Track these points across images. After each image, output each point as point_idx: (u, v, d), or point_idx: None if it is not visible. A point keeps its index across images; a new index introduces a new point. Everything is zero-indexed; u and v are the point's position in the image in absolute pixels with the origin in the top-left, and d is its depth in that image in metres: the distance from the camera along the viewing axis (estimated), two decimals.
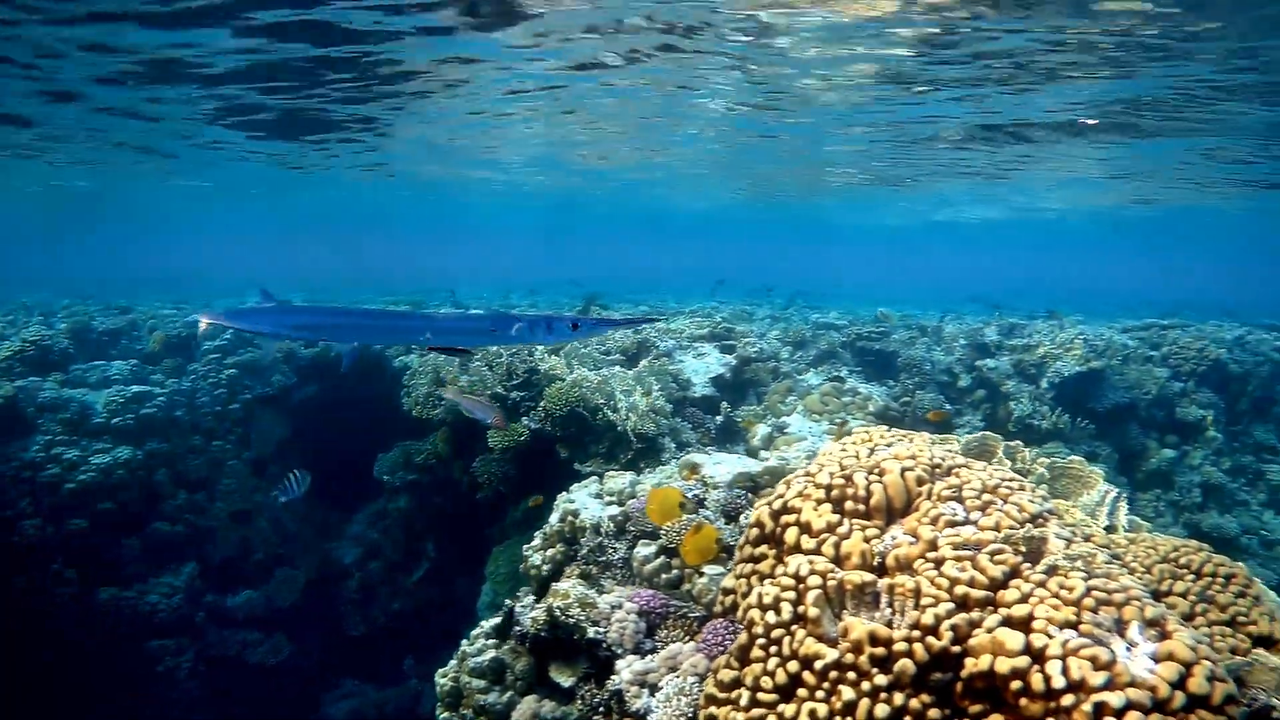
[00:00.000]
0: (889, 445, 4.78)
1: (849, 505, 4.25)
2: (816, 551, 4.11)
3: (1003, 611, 3.51)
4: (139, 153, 24.48)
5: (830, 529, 4.15)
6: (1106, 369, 15.29)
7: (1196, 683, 3.15)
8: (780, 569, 4.07)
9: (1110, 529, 5.91)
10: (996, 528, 3.95)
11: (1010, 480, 4.42)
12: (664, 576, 5.94)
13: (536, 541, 7.07)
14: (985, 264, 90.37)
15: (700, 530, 5.47)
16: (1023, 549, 3.82)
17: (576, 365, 12.37)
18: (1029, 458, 6.53)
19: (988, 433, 6.52)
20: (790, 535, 4.26)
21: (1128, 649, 3.31)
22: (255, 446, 17.10)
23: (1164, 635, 3.37)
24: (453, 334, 6.56)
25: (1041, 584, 3.57)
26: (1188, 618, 4.43)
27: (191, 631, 15.23)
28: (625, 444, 10.58)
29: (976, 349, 16.07)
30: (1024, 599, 3.51)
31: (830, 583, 3.83)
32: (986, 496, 4.19)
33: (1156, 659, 3.24)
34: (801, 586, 3.87)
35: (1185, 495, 14.71)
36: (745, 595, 4.20)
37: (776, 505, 4.47)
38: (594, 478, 7.40)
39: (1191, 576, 4.60)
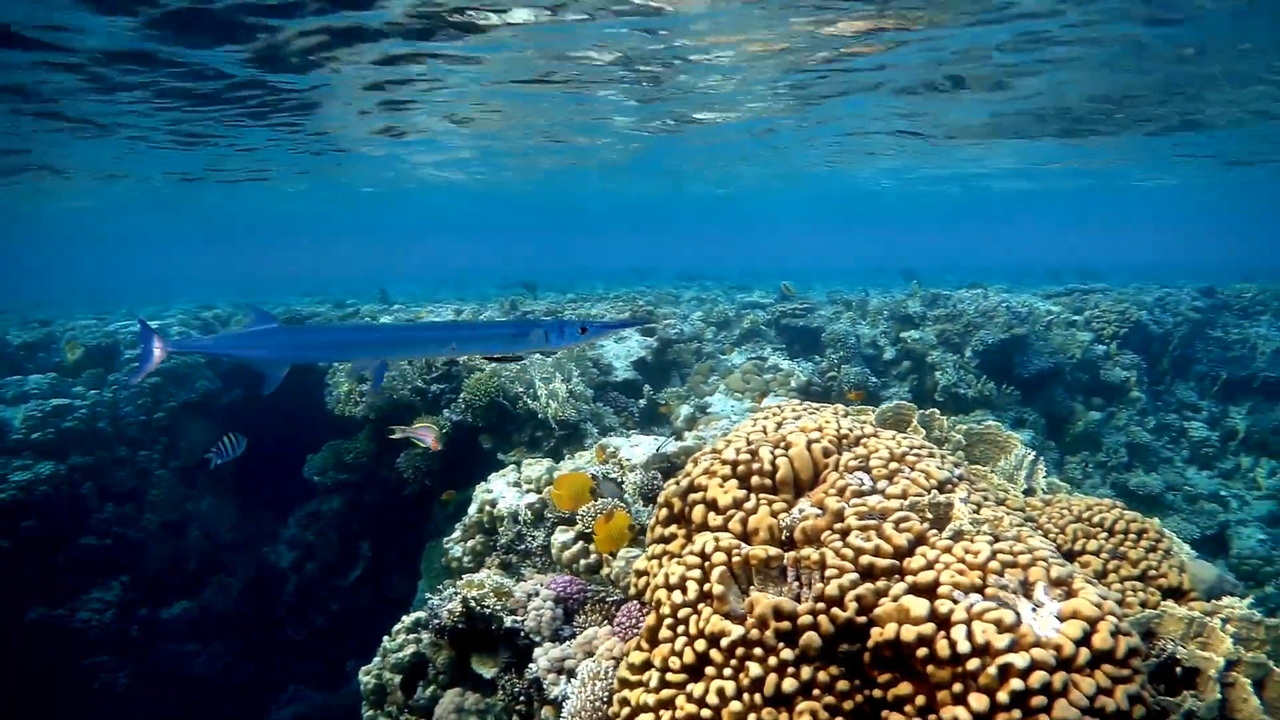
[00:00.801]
0: (797, 419, 4.70)
1: (755, 480, 4.17)
2: (723, 528, 4.02)
3: (909, 579, 3.43)
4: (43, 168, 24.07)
5: (737, 505, 4.07)
6: (1030, 335, 15.35)
7: (1101, 638, 3.10)
8: (688, 548, 3.98)
9: (1029, 492, 5.86)
10: (903, 495, 3.88)
11: (919, 448, 4.37)
12: (583, 562, 5.87)
13: (456, 534, 6.96)
14: (915, 239, 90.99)
15: (612, 517, 5.37)
16: (929, 516, 3.75)
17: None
18: (946, 425, 6.47)
19: (902, 402, 6.46)
20: (697, 514, 4.17)
21: (1033, 610, 3.25)
22: (183, 455, 16.81)
23: (1070, 594, 3.32)
24: (476, 343, 6.39)
25: (947, 550, 3.50)
26: (1100, 575, 4.39)
27: (127, 646, 14.93)
28: (547, 431, 10.48)
29: (900, 321, 16.07)
30: (929, 565, 3.44)
31: (735, 559, 3.74)
32: (893, 465, 4.13)
33: (1061, 618, 3.19)
34: (707, 564, 3.78)
35: (1112, 456, 14.83)
36: (655, 576, 4.10)
37: (684, 484, 4.38)
38: (512, 467, 7.28)
39: (1104, 534, 4.56)
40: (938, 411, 6.50)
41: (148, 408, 16.55)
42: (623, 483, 6.37)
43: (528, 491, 6.87)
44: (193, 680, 15.34)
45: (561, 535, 6.07)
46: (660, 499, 4.51)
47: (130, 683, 14.70)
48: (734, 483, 4.18)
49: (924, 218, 69.71)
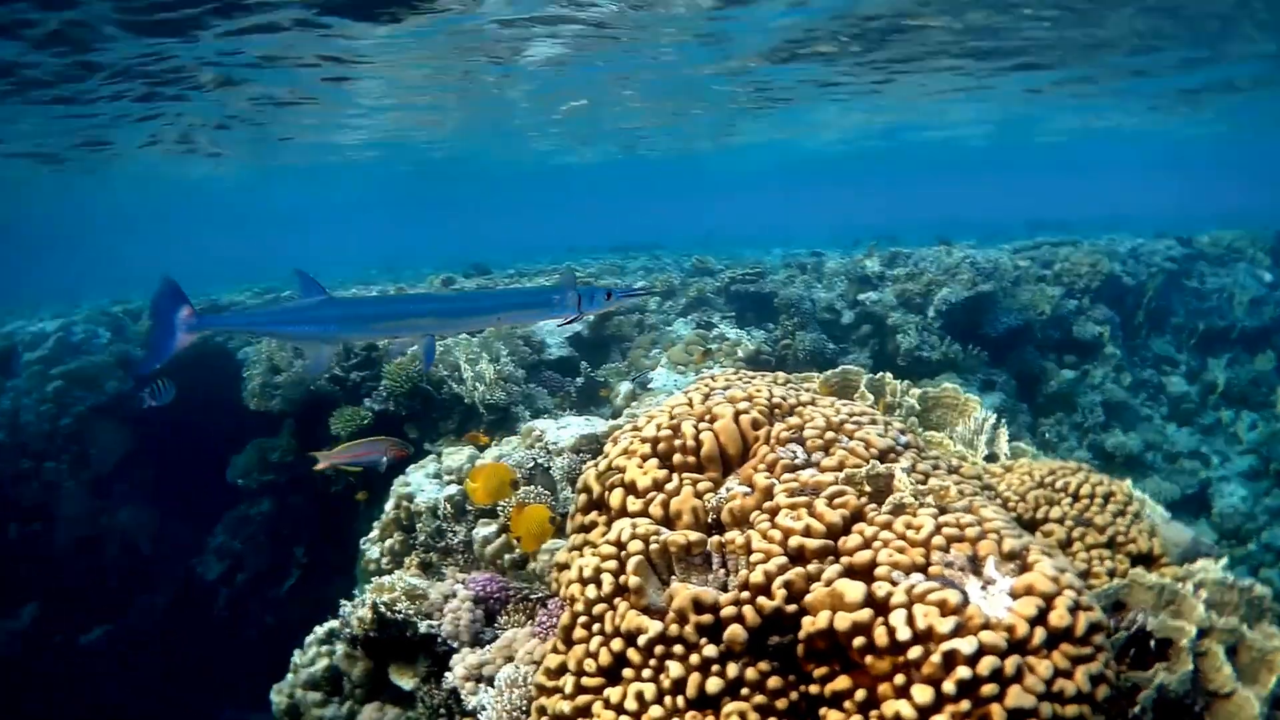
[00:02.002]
0: (726, 389, 4.51)
1: (678, 458, 3.98)
2: (643, 513, 3.83)
3: (844, 560, 3.25)
4: None
5: (657, 486, 3.88)
6: (997, 292, 15.29)
7: (1058, 615, 2.92)
8: (605, 536, 3.78)
9: (992, 458, 5.72)
10: (839, 467, 3.71)
11: (859, 415, 4.20)
12: (507, 557, 5.69)
13: (373, 533, 6.76)
14: (877, 198, 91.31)
15: (524, 510, 5.14)
16: (868, 489, 3.57)
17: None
18: (899, 390, 6.31)
19: (849, 367, 6.29)
20: (616, 498, 3.98)
21: (982, 588, 3.07)
22: (94, 464, 16.47)
23: (1025, 568, 3.15)
24: (521, 310, 6.16)
25: (886, 526, 3.33)
26: (1065, 545, 4.23)
27: (40, 678, 14.63)
28: (476, 417, 10.31)
29: (858, 282, 15.95)
30: (866, 544, 3.26)
31: (654, 547, 3.55)
32: (830, 435, 3.95)
33: (1015, 595, 3.01)
34: (623, 554, 3.58)
35: (1088, 416, 14.79)
36: (571, 569, 3.91)
37: (603, 466, 4.21)
38: (432, 457, 7.08)
39: (1068, 500, 4.40)
40: (889, 375, 6.34)
41: (51, 415, 16.20)
42: (549, 468, 6.17)
43: (449, 483, 6.66)
44: (117, 711, 15.05)
45: (484, 529, 5.88)
46: (579, 483, 4.34)
47: (46, 715, 14.41)
48: (654, 462, 4.00)
49: (892, 175, 70.05)
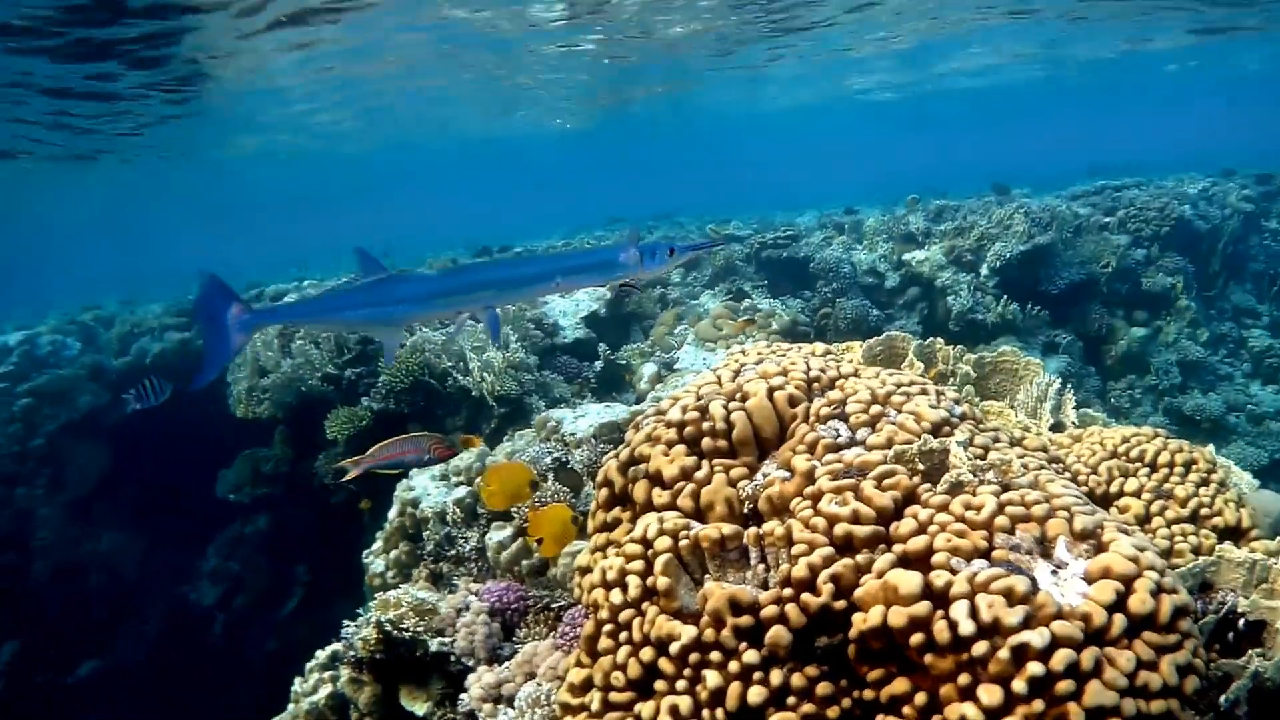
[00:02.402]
0: (758, 363, 4.46)
1: (707, 443, 3.94)
2: (671, 506, 3.79)
3: (897, 549, 3.19)
4: None
5: (685, 475, 3.84)
6: (1056, 244, 15.13)
7: (1139, 600, 2.86)
8: (629, 534, 3.74)
9: (1057, 428, 5.65)
10: (887, 445, 3.65)
11: (908, 385, 4.15)
12: (525, 563, 5.67)
13: (377, 544, 6.77)
14: (919, 150, 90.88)
15: (543, 511, 5.08)
16: (920, 467, 3.51)
17: (417, 326, 11.91)
18: (951, 356, 6.24)
19: (894, 333, 6.22)
20: (640, 491, 3.94)
21: (1053, 572, 3.02)
22: (71, 487, 16.51)
23: (1100, 548, 3.09)
24: (584, 273, 6.07)
25: (943, 507, 3.27)
26: (1142, 521, 4.16)
27: None
28: (485, 411, 10.27)
29: (902, 241, 15.85)
30: (921, 529, 3.20)
31: (684, 543, 3.50)
32: (876, 409, 3.90)
33: (1089, 579, 2.96)
34: (650, 553, 3.54)
35: (1163, 378, 14.66)
36: (593, 572, 3.87)
37: (625, 456, 4.16)
38: None
39: (1145, 470, 4.34)
40: (940, 340, 6.27)
41: (20, 436, 16.25)
42: (568, 462, 6.14)
43: (457, 484, 6.67)
44: None
45: (498, 534, 5.87)
46: (599, 476, 4.30)
47: None
48: (681, 449, 3.95)
49: (934, 124, 69.64)
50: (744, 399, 4.03)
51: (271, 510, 14.77)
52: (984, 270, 14.59)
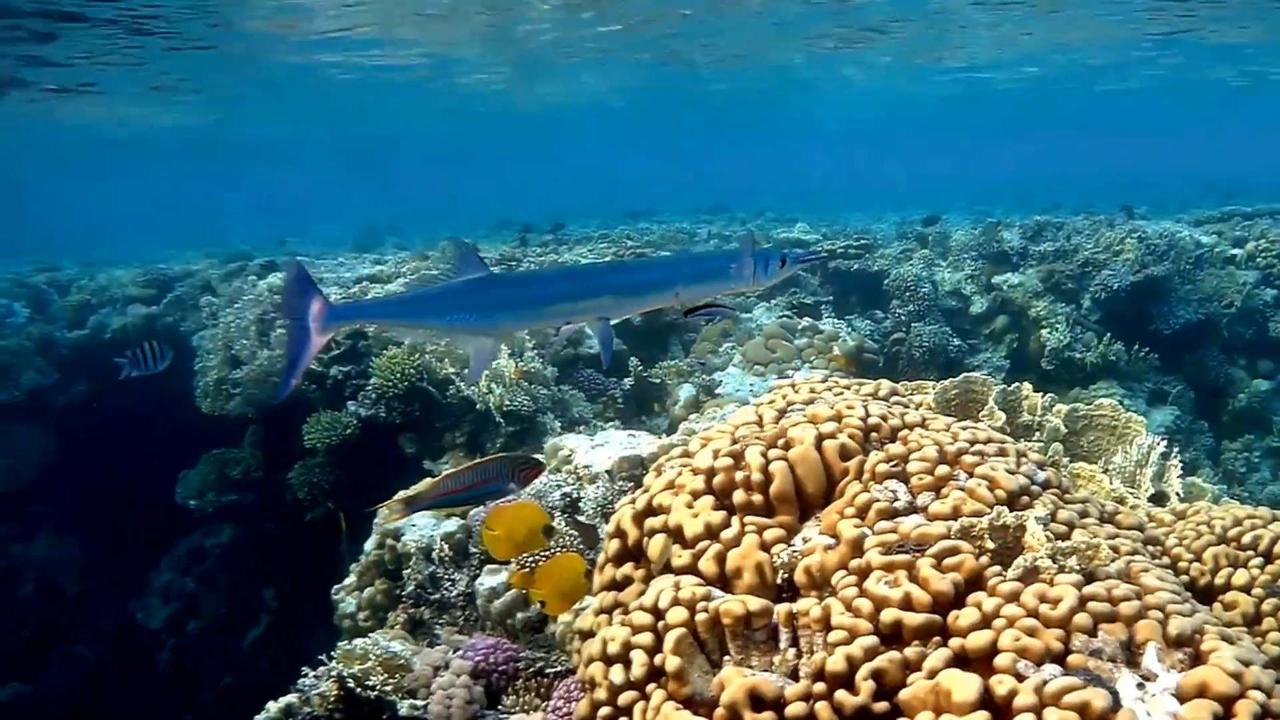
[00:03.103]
0: (808, 403, 4.40)
1: (740, 497, 3.88)
2: (691, 569, 3.74)
3: (953, 644, 3.11)
4: None
5: (711, 534, 3.79)
6: (1172, 276, 15.02)
7: None
8: (638, 601, 3.67)
9: (1159, 498, 5.56)
10: (953, 515, 3.57)
11: (983, 443, 4.07)
12: (520, 615, 5.62)
13: (350, 580, 6.73)
14: (1025, 152, 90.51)
15: (551, 561, 4.94)
16: (990, 546, 3.42)
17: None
18: (1039, 405, 6.15)
19: (973, 375, 6.12)
20: (657, 548, 3.87)
21: (1139, 685, 2.94)
22: (4, 477, 16.51)
23: (1197, 658, 3.01)
24: (702, 282, 5.98)
25: (1013, 597, 3.18)
26: (1253, 622, 4.05)
27: None
28: (490, 427, 10.20)
29: (993, 260, 15.75)
30: (984, 623, 3.11)
31: (702, 616, 3.43)
32: (943, 470, 3.81)
33: (1182, 696, 2.87)
34: (662, 625, 3.47)
35: None
36: (594, 641, 3.80)
37: (642, 504, 4.12)
38: (428, 481, 6.99)
39: (1258, 561, 4.23)
40: (1027, 386, 6.17)
41: None
42: (580, 499, 6.08)
43: (447, 516, 6.59)
44: None
45: (491, 579, 5.83)
46: (610, 525, 4.27)
47: None
48: (708, 501, 3.91)
49: (1043, 124, 69.32)
50: (787, 446, 3.98)
51: (238, 522, 14.74)
52: (1086, 301, 14.49)
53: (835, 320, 13.68)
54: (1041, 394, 6.22)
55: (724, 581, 3.67)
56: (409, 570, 6.31)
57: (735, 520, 3.83)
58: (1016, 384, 6.13)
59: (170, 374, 14.66)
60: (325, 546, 11.99)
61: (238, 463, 13.57)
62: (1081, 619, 3.06)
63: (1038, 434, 5.93)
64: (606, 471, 6.24)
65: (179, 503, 14.15)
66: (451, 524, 6.37)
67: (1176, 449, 5.92)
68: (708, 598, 3.50)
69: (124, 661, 15.92)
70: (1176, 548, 4.35)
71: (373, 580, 6.58)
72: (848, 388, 4.83)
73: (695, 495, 3.93)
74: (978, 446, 4.01)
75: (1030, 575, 3.26)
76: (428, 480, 5.37)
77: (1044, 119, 65.06)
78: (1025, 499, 3.79)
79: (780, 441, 4.01)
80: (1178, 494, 5.55)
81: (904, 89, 41.49)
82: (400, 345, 10.68)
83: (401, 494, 5.16)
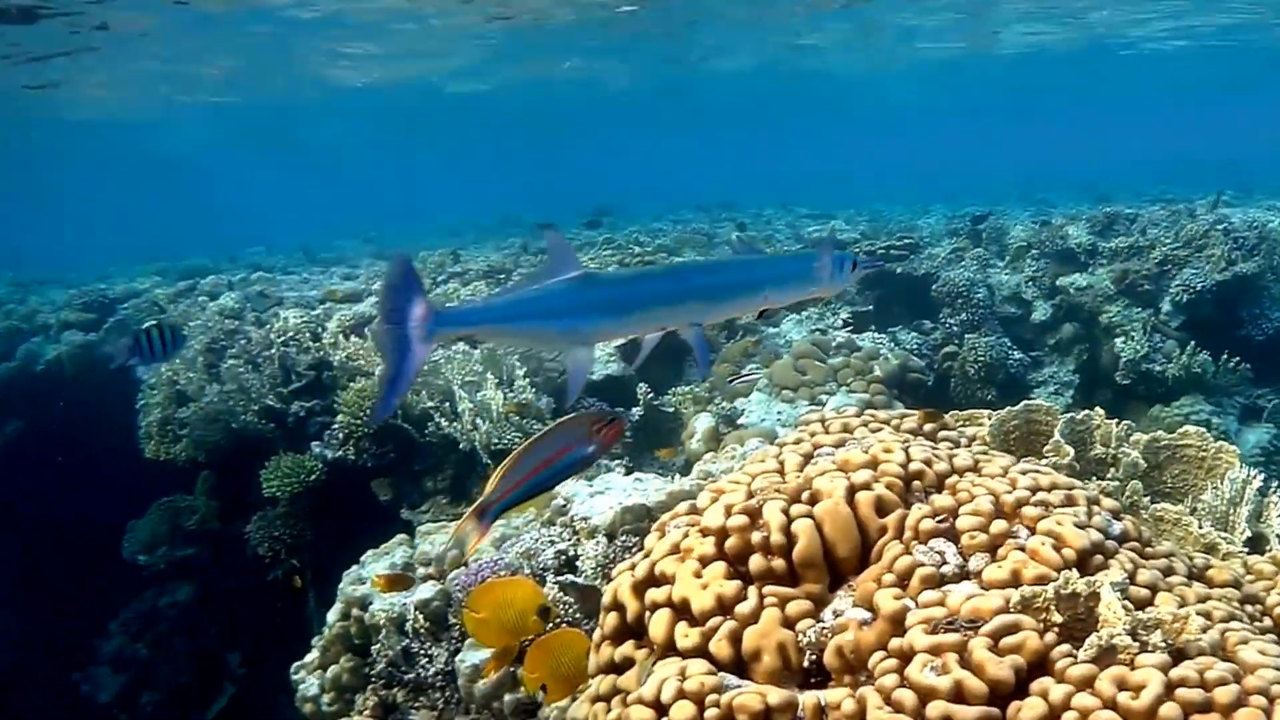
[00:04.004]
0: (839, 445, 4.26)
1: (758, 563, 3.76)
2: (701, 650, 3.62)
3: None
4: None
5: (724, 608, 3.67)
6: (1264, 274, 14.88)
7: None
8: (638, 691, 3.53)
9: (1257, 542, 5.39)
10: (1013, 582, 3.42)
11: (1048, 489, 3.93)
12: (508, 699, 5.53)
13: (312, 656, 6.61)
14: (1089, 130, 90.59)
15: (549, 639, 4.72)
16: (1056, 619, 3.27)
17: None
18: (1114, 437, 5.99)
19: (1034, 404, 5.94)
20: (659, 625, 3.77)
21: None
22: None
23: None
24: (786, 286, 5.89)
25: (1086, 684, 3.05)
26: None
27: None
28: (479, 470, 10.07)
29: (1058, 260, 15.63)
30: (1052, 715, 3.00)
31: (712, 714, 3.29)
32: (999, 526, 3.68)
33: None
34: None
35: None
36: None
37: (643, 571, 4.02)
38: (400, 540, 6.90)
39: None
40: (1099, 413, 6.00)
41: None
42: (575, 559, 5.94)
43: (425, 580, 6.48)
44: None
45: (474, 655, 5.73)
46: (606, 597, 4.17)
47: None
48: (720, 568, 3.80)
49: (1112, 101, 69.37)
50: (813, 501, 3.88)
51: (196, 579, 14.65)
52: (1166, 305, 14.38)
53: (875, 334, 13.54)
54: (1116, 421, 6.05)
55: (740, 665, 3.57)
56: (379, 645, 6.21)
57: (753, 591, 3.73)
58: (1086, 412, 5.96)
59: (113, 409, 14.68)
60: (295, 604, 11.93)
61: (193, 511, 13.47)
62: (1169, 710, 2.93)
63: (1112, 470, 5.77)
64: (609, 525, 6.10)
65: (127, 559, 14.05)
66: (427, 590, 6.26)
67: (1276, 483, 5.76)
68: (719, 689, 3.37)
69: None
70: None
71: (338, 657, 6.49)
72: (886, 423, 4.70)
73: (704, 562, 3.82)
74: (1040, 495, 3.86)
75: (1106, 656, 3.12)
76: (493, 475, 4.96)
77: (1106, 91, 65.15)
78: (1099, 558, 3.65)
79: (805, 495, 3.91)
80: (1279, 536, 5.39)
81: (959, 57, 41.45)
82: (370, 376, 10.58)
83: (471, 508, 4.84)
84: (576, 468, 4.84)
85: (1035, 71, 46.51)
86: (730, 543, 3.82)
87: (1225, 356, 13.73)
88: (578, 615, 5.58)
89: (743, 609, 3.64)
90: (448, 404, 10.42)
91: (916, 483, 3.95)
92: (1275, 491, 5.58)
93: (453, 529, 4.91)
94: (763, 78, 43.24)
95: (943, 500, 3.81)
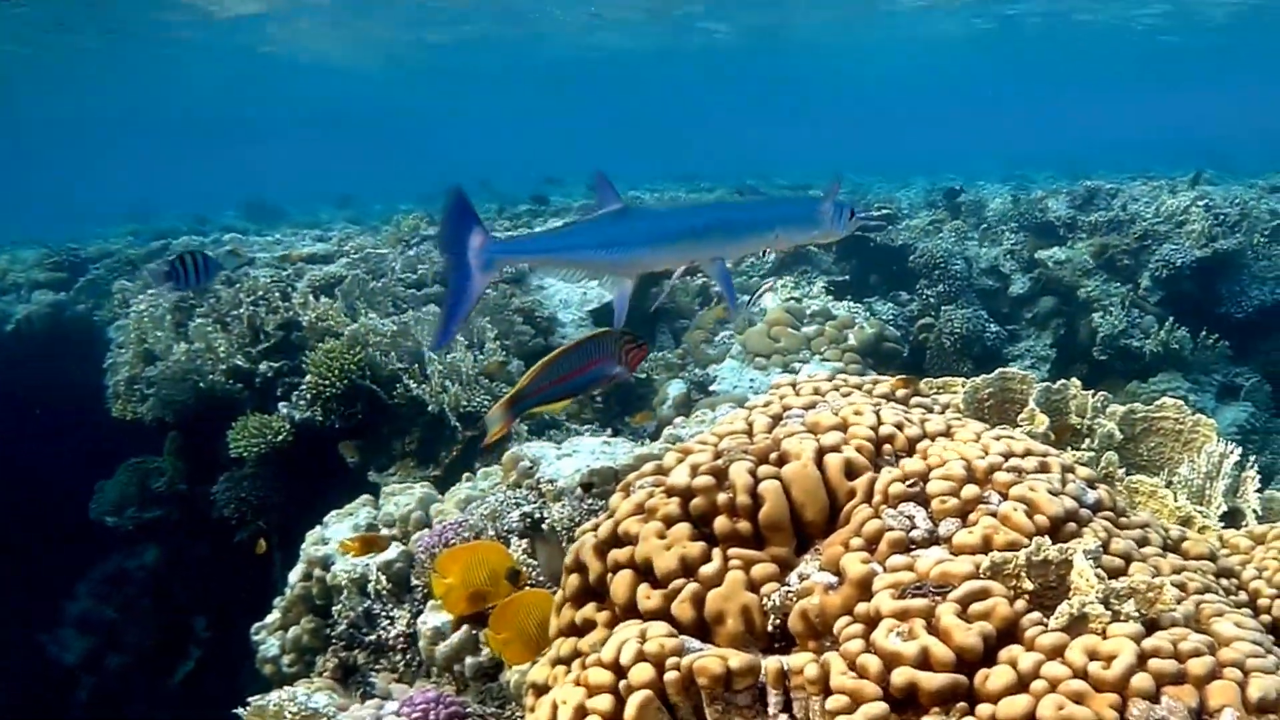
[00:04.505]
0: (808, 408, 4.19)
1: (723, 524, 3.67)
2: (663, 613, 3.55)
3: (981, 712, 2.90)
4: None
5: (688, 570, 3.58)
6: (1245, 251, 14.87)
7: None
8: (596, 654, 3.45)
9: (1232, 516, 5.34)
10: (983, 547, 3.35)
11: (1022, 455, 3.86)
12: (469, 660, 5.40)
13: (272, 617, 6.54)
14: (1065, 105, 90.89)
15: (512, 601, 4.67)
16: (1027, 586, 3.20)
17: (363, 308, 11.67)
18: (1090, 407, 5.92)
19: (1010, 371, 5.87)
20: (621, 586, 3.68)
21: None
22: None
23: None
24: (795, 226, 5.95)
25: (1057, 653, 2.97)
26: None
27: None
28: (448, 434, 9.98)
29: (1036, 233, 15.60)
30: (1020, 685, 2.90)
31: (673, 675, 3.21)
32: (970, 491, 3.59)
33: None
34: (624, 686, 3.26)
35: None
36: (543, 703, 3.58)
37: (605, 532, 3.90)
38: (364, 500, 6.82)
39: None
40: (1075, 384, 5.94)
41: None
42: (541, 520, 5.85)
43: (390, 541, 6.40)
44: None
45: (435, 617, 5.61)
46: (569, 558, 4.07)
47: None
48: (684, 529, 3.70)
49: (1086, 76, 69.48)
50: (781, 462, 3.79)
51: (164, 541, 14.55)
52: (1145, 280, 14.36)
53: (851, 304, 13.48)
54: (1093, 392, 6.00)
55: (703, 628, 3.50)
56: (340, 606, 6.12)
57: (717, 553, 3.64)
58: (1062, 381, 5.90)
59: (83, 369, 14.57)
60: (264, 567, 11.86)
61: (161, 473, 13.37)
62: (1141, 680, 2.85)
63: (1088, 440, 5.72)
64: (578, 487, 6.03)
65: (95, 519, 13.97)
66: (391, 551, 6.17)
67: (1253, 458, 5.71)
68: (679, 651, 3.28)
69: (34, 705, 15.75)
70: (1255, 581, 4.11)
71: (299, 618, 6.40)
72: (858, 387, 4.63)
73: (669, 522, 3.73)
74: (1014, 461, 3.79)
75: (1078, 625, 3.05)
76: (528, 372, 5.05)
77: (1086, 67, 65.28)
78: (1072, 525, 3.58)
79: (773, 456, 3.83)
80: (1255, 511, 5.34)
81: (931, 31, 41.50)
82: (339, 337, 10.48)
83: (504, 402, 4.88)
84: (601, 383, 5.14)
85: (1015, 45, 46.72)
86: (695, 503, 3.74)
87: (1204, 333, 13.75)
88: (542, 578, 5.50)
89: (706, 571, 3.56)
90: (417, 366, 10.34)
91: (887, 446, 3.89)
92: (1252, 466, 5.53)
93: (489, 413, 4.98)
94: (740, 49, 43.36)
95: (913, 464, 3.73)
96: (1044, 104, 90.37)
